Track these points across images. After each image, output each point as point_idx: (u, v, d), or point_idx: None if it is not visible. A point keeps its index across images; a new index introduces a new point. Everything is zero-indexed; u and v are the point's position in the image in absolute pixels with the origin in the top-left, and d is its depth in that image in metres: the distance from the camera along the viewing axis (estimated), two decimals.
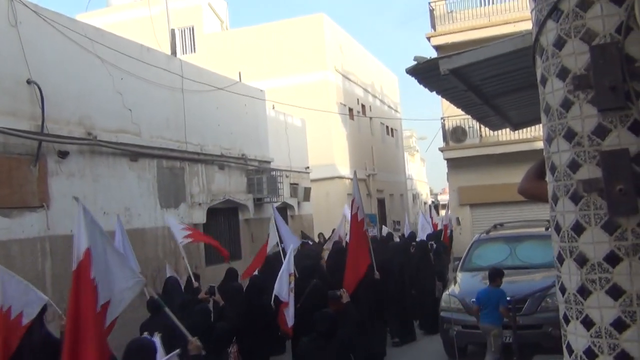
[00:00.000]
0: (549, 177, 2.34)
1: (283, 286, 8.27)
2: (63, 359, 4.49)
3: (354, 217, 9.87)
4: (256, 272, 10.85)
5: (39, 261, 9.08)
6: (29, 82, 9.19)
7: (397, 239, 17.21)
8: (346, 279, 9.17)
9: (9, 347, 5.41)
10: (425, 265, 13.07)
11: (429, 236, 17.20)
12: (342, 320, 6.74)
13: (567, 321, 2.25)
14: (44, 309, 5.94)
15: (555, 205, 2.28)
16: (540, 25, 2.32)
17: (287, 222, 18.58)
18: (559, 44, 2.23)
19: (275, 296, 8.33)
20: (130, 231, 10.98)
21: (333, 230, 17.08)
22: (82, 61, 10.43)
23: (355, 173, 11.27)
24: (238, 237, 15.36)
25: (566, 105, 2.22)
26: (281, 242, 12.03)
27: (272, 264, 11.13)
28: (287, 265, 8.58)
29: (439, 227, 21.64)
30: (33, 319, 5.67)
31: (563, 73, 2.23)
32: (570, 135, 2.20)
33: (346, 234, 15.00)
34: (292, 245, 9.95)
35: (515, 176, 3.74)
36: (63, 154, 9.65)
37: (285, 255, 9.93)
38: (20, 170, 8.94)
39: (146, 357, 4.74)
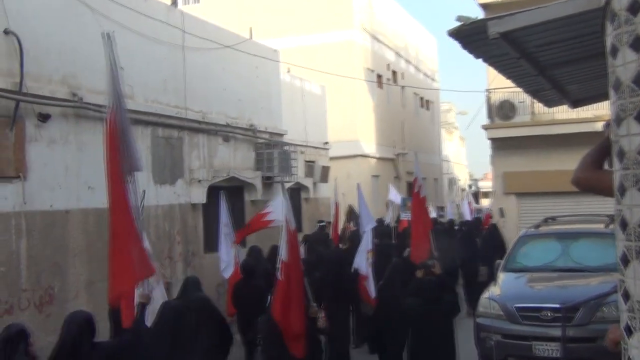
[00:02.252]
0: (615, 165, 2.35)
1: (362, 261, 10.28)
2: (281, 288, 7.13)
3: (416, 195, 12.29)
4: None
5: (12, 240, 9.22)
6: (6, 32, 9.26)
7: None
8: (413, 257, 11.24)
9: None
10: (471, 250, 15.39)
11: (466, 223, 18.40)
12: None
13: (630, 333, 2.27)
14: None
15: (622, 197, 2.29)
16: None
17: (299, 206, 18.75)
18: (634, 8, 2.23)
19: (355, 269, 10.33)
20: None
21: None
22: (68, 10, 10.49)
23: (416, 155, 13.72)
24: (242, 222, 15.42)
25: None
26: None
27: (310, 242, 13.55)
28: (366, 243, 10.64)
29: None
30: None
31: (637, 43, 2.22)
32: None
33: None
34: (369, 225, 11.89)
35: (572, 162, 3.72)
36: (44, 117, 9.75)
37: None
38: None
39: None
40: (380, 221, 18.11)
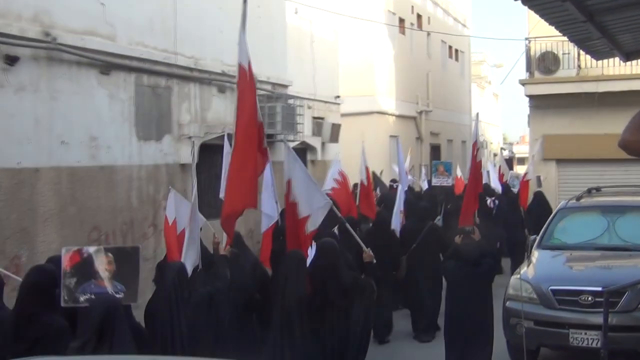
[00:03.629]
0: None
1: (397, 223, 12.21)
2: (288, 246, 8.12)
3: (473, 159, 13.51)
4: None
5: None
6: None
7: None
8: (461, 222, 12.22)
9: (174, 254, 8.65)
10: (513, 217, 17.38)
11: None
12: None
13: None
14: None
15: None
16: None
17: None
18: None
19: (393, 231, 12.20)
20: (96, 169, 11.16)
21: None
22: None
23: (477, 115, 14.88)
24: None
25: None
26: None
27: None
28: (399, 204, 12.57)
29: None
30: None
31: None
32: None
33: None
34: (400, 186, 13.56)
35: (622, 124, 3.69)
36: (11, 60, 9.70)
37: None
38: None
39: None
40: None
